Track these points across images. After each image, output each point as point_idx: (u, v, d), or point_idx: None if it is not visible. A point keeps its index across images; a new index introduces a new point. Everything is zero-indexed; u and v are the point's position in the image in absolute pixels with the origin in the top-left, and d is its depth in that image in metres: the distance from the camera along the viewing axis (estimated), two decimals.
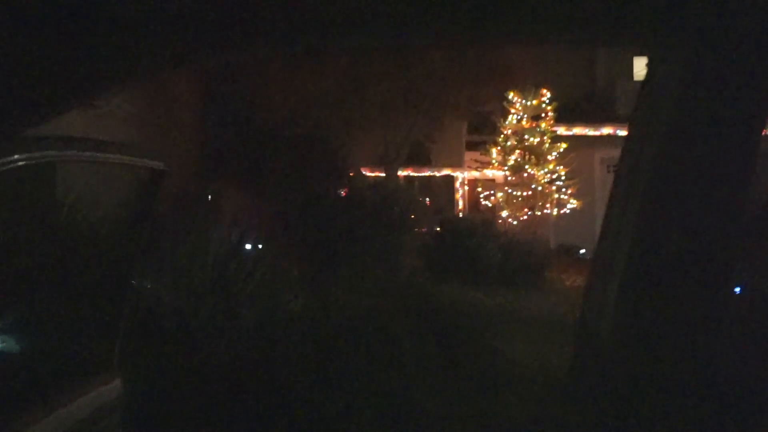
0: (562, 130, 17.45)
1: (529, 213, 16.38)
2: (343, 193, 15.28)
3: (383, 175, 17.93)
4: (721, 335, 1.42)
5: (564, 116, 17.28)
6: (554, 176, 16.45)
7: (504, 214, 16.54)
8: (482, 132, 21.79)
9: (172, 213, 7.65)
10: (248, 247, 7.49)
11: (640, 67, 21.21)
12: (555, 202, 16.45)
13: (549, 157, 16.42)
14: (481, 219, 14.74)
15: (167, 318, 5.83)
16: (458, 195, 22.95)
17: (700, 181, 1.44)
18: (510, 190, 16.55)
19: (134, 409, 2.35)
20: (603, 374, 1.39)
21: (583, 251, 17.64)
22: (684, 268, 1.40)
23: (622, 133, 17.36)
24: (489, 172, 18.40)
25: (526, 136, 16.45)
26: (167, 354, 5.15)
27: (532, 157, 16.31)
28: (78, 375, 2.09)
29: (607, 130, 18.99)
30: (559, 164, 16.47)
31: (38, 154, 1.45)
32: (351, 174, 16.91)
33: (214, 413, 4.59)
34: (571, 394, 1.58)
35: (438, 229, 14.52)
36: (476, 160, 18.06)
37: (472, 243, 12.83)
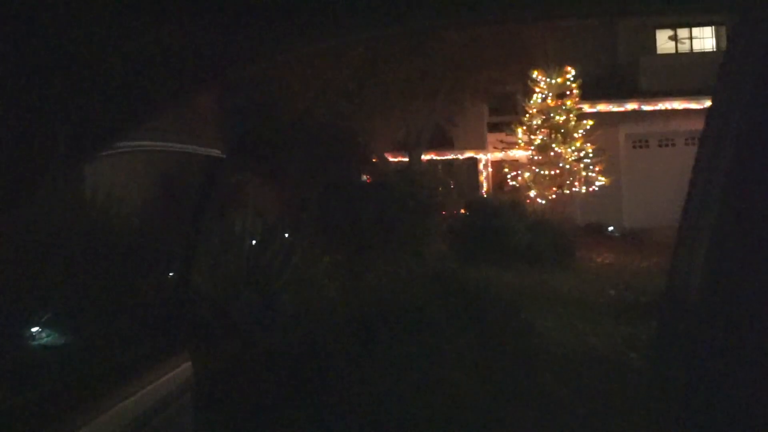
0: (586, 108, 17.27)
1: (557, 192, 16.27)
2: (367, 179, 15.30)
3: (406, 159, 17.93)
4: None
5: (587, 93, 17.09)
6: (581, 154, 16.32)
7: (531, 193, 16.44)
8: (504, 113, 21.67)
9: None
10: (285, 235, 7.54)
11: (663, 40, 20.90)
12: (583, 180, 16.32)
13: (575, 135, 16.28)
14: (508, 200, 14.66)
15: (205, 305, 5.89)
16: (482, 177, 22.86)
17: None
18: (537, 170, 16.43)
19: (203, 391, 2.40)
20: (689, 345, 1.37)
21: (611, 228, 17.51)
22: None
23: (647, 108, 17.27)
24: (512, 153, 18.30)
25: (551, 115, 16.31)
26: (208, 340, 5.19)
27: (558, 135, 16.18)
28: (152, 358, 2.13)
29: (631, 106, 18.77)
30: (585, 142, 16.33)
31: (123, 144, 1.47)
32: (374, 160, 16.92)
33: (260, 397, 4.64)
34: (655, 366, 1.56)
35: (463, 211, 14.49)
36: (501, 141, 17.96)
37: (500, 224, 12.79)
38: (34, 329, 3.02)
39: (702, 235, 1.38)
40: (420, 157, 18.35)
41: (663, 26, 20.47)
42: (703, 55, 19.79)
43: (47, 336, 3.03)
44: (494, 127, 21.68)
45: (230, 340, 5.42)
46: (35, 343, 2.94)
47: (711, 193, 1.38)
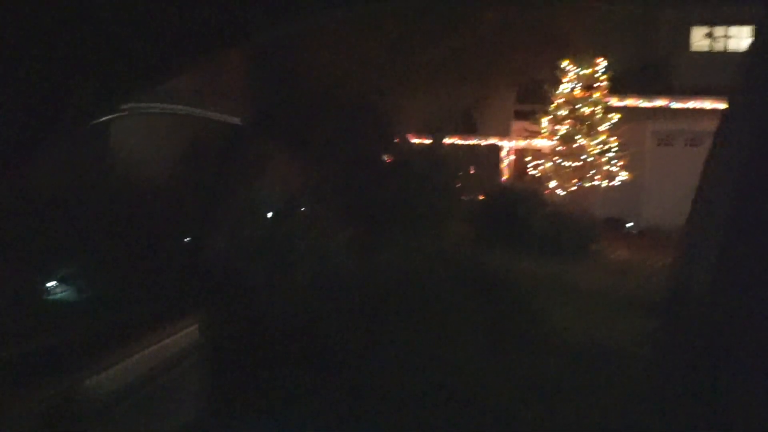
0: (614, 101, 17.06)
1: (578, 184, 16.13)
2: (387, 159, 15.27)
3: (429, 141, 17.85)
4: None
5: (617, 87, 16.87)
6: (605, 147, 16.14)
7: (552, 184, 16.32)
8: (531, 101, 21.45)
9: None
10: (302, 208, 7.57)
11: (698, 37, 20.51)
12: (605, 173, 16.16)
13: (600, 128, 16.10)
14: (529, 189, 14.58)
15: (221, 271, 5.95)
16: (503, 164, 22.72)
17: None
18: (559, 161, 16.29)
19: (211, 352, 2.43)
20: (693, 341, 1.37)
21: (630, 225, 17.36)
22: None
23: (676, 105, 17.02)
24: (536, 142, 18.15)
25: (577, 106, 16.13)
26: (225, 307, 5.26)
27: (584, 127, 16.01)
28: (165, 318, 2.16)
29: (660, 103, 18.49)
30: (610, 136, 16.15)
31: (140, 105, 1.48)
32: (397, 140, 16.87)
33: (273, 365, 4.70)
34: (660, 361, 1.57)
35: (482, 197, 14.43)
36: (526, 129, 17.81)
37: (519, 212, 12.74)
38: (51, 283, 3.07)
39: (709, 234, 1.37)
40: (443, 140, 18.27)
41: (699, 23, 20.08)
42: (738, 54, 19.43)
43: (62, 291, 3.07)
44: (519, 115, 21.48)
45: (243, 306, 5.48)
46: (50, 297, 2.98)
47: (721, 193, 1.37)
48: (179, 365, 2.22)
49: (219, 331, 2.97)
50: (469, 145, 21.84)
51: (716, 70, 18.78)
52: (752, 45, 1.34)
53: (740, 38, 20.11)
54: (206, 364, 2.44)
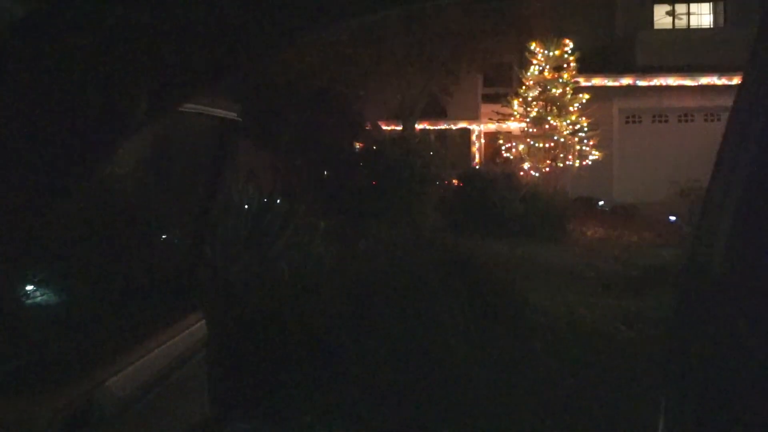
0: (581, 81, 17.25)
1: (551, 165, 16.31)
2: (358, 146, 15.27)
3: (399, 128, 17.89)
4: None
5: (584, 67, 17.05)
6: (576, 128, 16.33)
7: (525, 166, 16.47)
8: (498, 84, 21.59)
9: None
10: (277, 201, 7.55)
11: (660, 15, 20.78)
12: (576, 153, 16.36)
13: (570, 109, 16.27)
14: (502, 171, 14.70)
15: (204, 269, 5.94)
16: (474, 148, 22.87)
17: None
18: (532, 142, 16.44)
19: (216, 349, 2.44)
20: (712, 311, 1.42)
21: (601, 203, 17.64)
22: None
23: (642, 83, 17.20)
24: (505, 125, 18.32)
25: (548, 87, 16.27)
26: (207, 303, 5.24)
27: (554, 108, 16.16)
28: (172, 316, 2.17)
29: (626, 81, 18.74)
30: (580, 116, 16.33)
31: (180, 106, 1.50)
32: (368, 127, 16.87)
33: (256, 360, 4.73)
34: (676, 331, 1.61)
35: (456, 182, 14.51)
36: (497, 112, 17.95)
37: (494, 195, 12.85)
38: (29, 287, 3.04)
39: (728, 208, 1.41)
40: (413, 126, 18.31)
41: (661, 0, 20.34)
42: (700, 31, 19.74)
43: (43, 295, 3.04)
44: (488, 99, 21.62)
45: (229, 302, 5.48)
46: (29, 302, 2.95)
47: (738, 166, 1.42)
48: (185, 364, 2.24)
49: (212, 328, 2.98)
50: (439, 129, 21.95)
51: (680, 47, 19.13)
52: (761, 28, 1.37)
53: (701, 15, 20.43)
54: (206, 363, 2.46)
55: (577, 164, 16.37)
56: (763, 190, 1.29)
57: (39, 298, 2.40)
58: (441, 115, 21.54)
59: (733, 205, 1.35)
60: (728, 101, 1.84)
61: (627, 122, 19.81)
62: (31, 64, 1.08)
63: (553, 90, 16.17)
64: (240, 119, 2.34)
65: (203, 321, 2.29)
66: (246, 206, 6.86)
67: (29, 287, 2.40)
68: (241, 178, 8.20)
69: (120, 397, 1.69)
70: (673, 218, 13.55)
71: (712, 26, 20.00)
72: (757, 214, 1.31)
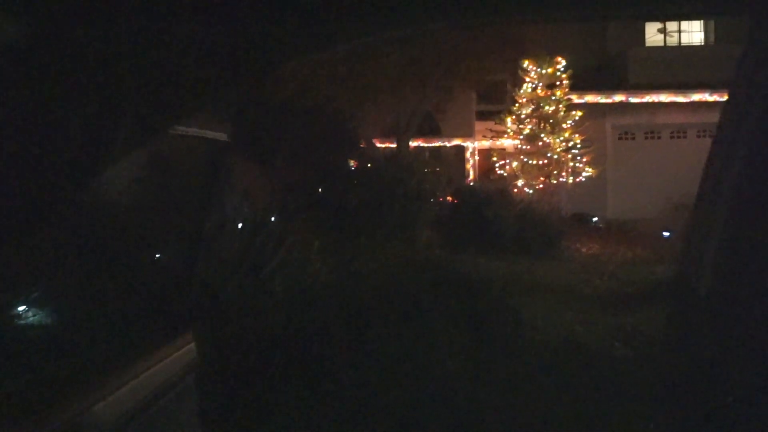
0: (574, 98, 17.36)
1: (544, 182, 16.37)
2: (353, 164, 15.28)
3: (394, 146, 17.93)
4: None
5: (576, 84, 17.17)
6: (569, 144, 16.42)
7: (519, 183, 16.53)
8: (492, 102, 21.69)
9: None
10: (272, 219, 7.54)
11: (651, 33, 20.97)
12: (570, 170, 16.43)
13: (564, 126, 16.37)
14: (496, 188, 14.73)
15: (198, 290, 5.90)
16: (469, 165, 22.91)
17: None
18: (525, 159, 16.51)
19: (205, 371, 2.42)
20: (700, 329, 1.42)
21: (595, 219, 17.67)
22: None
23: (634, 100, 17.36)
24: (499, 142, 18.36)
25: (541, 105, 16.37)
26: (208, 322, 5.22)
27: (547, 125, 16.26)
28: (160, 339, 2.14)
29: (619, 98, 18.86)
30: (573, 132, 16.43)
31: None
32: (362, 145, 16.89)
33: (250, 381, 4.69)
34: (666, 348, 1.60)
35: (450, 199, 14.53)
36: (491, 130, 18.01)
37: (489, 212, 12.86)
38: (14, 309, 3.00)
39: (714, 227, 1.41)
40: (408, 143, 18.35)
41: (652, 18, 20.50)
42: (691, 48, 19.91)
43: (27, 317, 3.00)
44: (482, 116, 21.70)
45: (224, 322, 5.44)
46: (14, 324, 2.91)
47: (724, 186, 1.42)
48: (174, 388, 2.21)
49: (206, 349, 2.95)
50: (434, 146, 22.00)
51: (671, 65, 19.29)
52: (754, 37, 1.37)
53: (692, 32, 20.62)
54: (196, 386, 2.43)
55: (570, 181, 16.43)
56: (748, 209, 1.29)
57: (23, 321, 2.38)
58: (435, 132, 21.60)
59: (719, 223, 1.35)
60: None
61: (620, 138, 19.91)
62: (11, 84, 1.08)
63: (546, 107, 16.27)
64: (230, 140, 2.34)
65: (193, 343, 2.26)
66: (240, 225, 6.85)
67: (14, 309, 2.38)
68: (236, 197, 8.20)
69: (107, 422, 1.66)
70: (667, 234, 13.57)
71: (703, 43, 20.18)
72: (743, 232, 1.30)
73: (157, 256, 2.89)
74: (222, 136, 2.30)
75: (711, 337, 1.44)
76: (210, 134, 2.28)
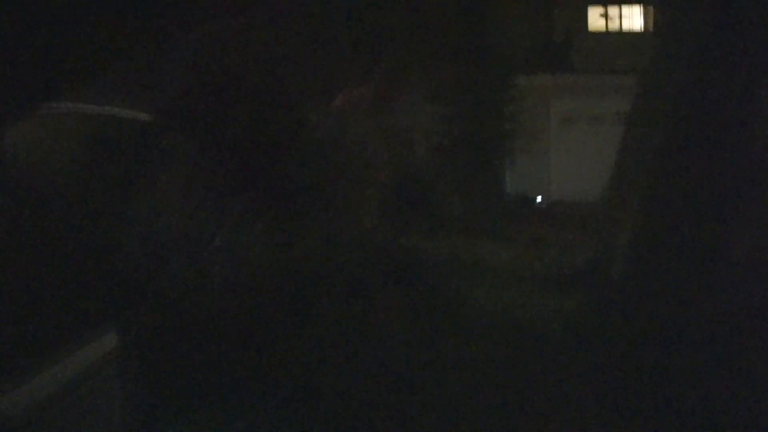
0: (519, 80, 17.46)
1: None
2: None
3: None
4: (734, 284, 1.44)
5: (521, 66, 17.25)
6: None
7: None
8: None
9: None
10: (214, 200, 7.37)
11: (594, 17, 21.23)
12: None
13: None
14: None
15: (134, 273, 5.73)
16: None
17: (715, 132, 1.44)
18: None
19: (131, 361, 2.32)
20: (614, 316, 1.41)
21: (539, 200, 17.88)
22: (698, 213, 1.41)
23: (578, 84, 17.48)
24: None
25: None
26: (136, 308, 5.07)
27: None
28: (72, 330, 2.04)
29: (563, 81, 19.05)
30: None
31: (46, 105, 1.38)
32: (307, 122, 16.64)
33: (197, 364, 4.59)
34: (581, 334, 1.61)
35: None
36: None
37: (434, 192, 12.85)
38: None
39: (628, 213, 1.40)
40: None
41: (595, 3, 20.77)
42: (632, 34, 20.27)
43: None
44: None
45: (159, 307, 5.31)
46: None
47: (639, 172, 1.41)
48: (97, 375, 2.11)
49: (137, 337, 2.85)
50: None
51: (614, 49, 19.59)
52: (662, 24, 1.34)
53: (632, 17, 20.97)
54: (125, 373, 2.33)
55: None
56: (663, 195, 1.28)
57: None
58: None
59: (635, 211, 1.34)
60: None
61: (564, 122, 20.19)
62: None
63: None
64: (150, 119, 2.22)
65: (115, 331, 2.16)
66: (179, 206, 6.67)
67: None
68: (175, 178, 7.96)
69: (23, 409, 1.57)
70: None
71: (642, 29, 20.56)
72: (657, 219, 1.29)
73: (76, 240, 2.77)
74: (142, 115, 2.19)
75: (626, 320, 1.43)
76: (139, 115, 2.16)
